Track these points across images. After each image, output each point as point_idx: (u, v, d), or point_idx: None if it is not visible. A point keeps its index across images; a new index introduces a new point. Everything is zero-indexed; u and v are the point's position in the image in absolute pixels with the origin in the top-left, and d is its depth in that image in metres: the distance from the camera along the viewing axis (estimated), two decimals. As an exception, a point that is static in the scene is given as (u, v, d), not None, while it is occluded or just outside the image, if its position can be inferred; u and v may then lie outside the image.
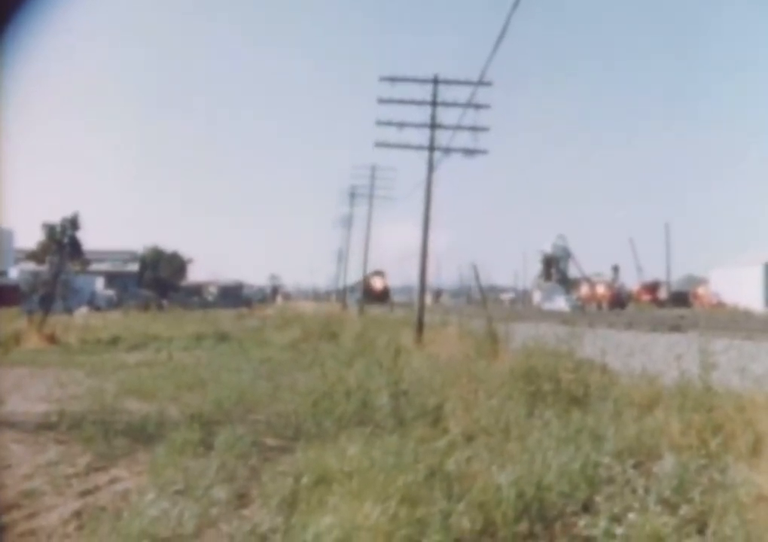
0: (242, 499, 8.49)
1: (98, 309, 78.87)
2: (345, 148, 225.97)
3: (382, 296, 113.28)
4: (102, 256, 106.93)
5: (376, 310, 65.92)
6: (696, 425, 9.87)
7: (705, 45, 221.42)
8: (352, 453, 9.17)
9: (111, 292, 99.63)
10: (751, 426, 9.64)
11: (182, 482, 8.69)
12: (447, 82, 32.30)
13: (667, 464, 8.09)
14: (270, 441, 11.68)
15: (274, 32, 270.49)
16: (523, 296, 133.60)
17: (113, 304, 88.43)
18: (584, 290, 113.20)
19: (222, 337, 35.65)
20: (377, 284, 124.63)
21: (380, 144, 34.29)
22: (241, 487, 8.94)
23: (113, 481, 9.58)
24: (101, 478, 9.72)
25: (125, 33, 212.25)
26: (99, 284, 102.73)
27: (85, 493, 9.01)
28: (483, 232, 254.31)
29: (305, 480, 8.42)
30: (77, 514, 8.12)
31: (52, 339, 32.32)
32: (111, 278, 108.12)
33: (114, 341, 33.34)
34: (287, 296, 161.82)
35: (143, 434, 11.78)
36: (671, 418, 10.33)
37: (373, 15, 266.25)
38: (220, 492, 8.33)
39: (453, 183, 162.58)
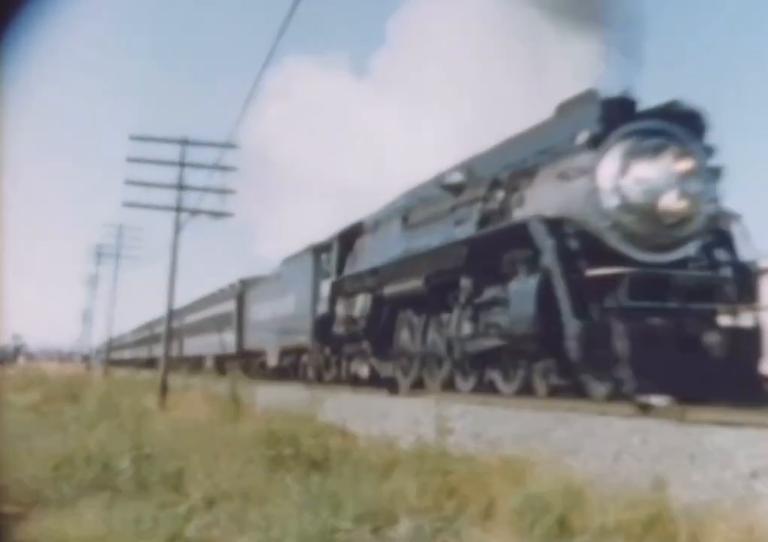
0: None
1: None
2: (95, 206, 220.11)
3: None
4: None
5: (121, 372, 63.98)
6: (432, 488, 10.11)
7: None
8: (90, 519, 8.88)
9: None
10: (485, 489, 9.99)
11: None
12: (196, 144, 32.28)
13: (403, 527, 8.22)
14: (7, 508, 11.13)
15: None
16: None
17: None
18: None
19: (-44, 399, 33.67)
20: None
21: (128, 204, 33.62)
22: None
23: None
24: None
25: None
26: None
27: None
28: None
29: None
30: None
31: None
32: None
33: None
34: (30, 357, 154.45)
35: None
36: (408, 481, 10.53)
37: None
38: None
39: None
